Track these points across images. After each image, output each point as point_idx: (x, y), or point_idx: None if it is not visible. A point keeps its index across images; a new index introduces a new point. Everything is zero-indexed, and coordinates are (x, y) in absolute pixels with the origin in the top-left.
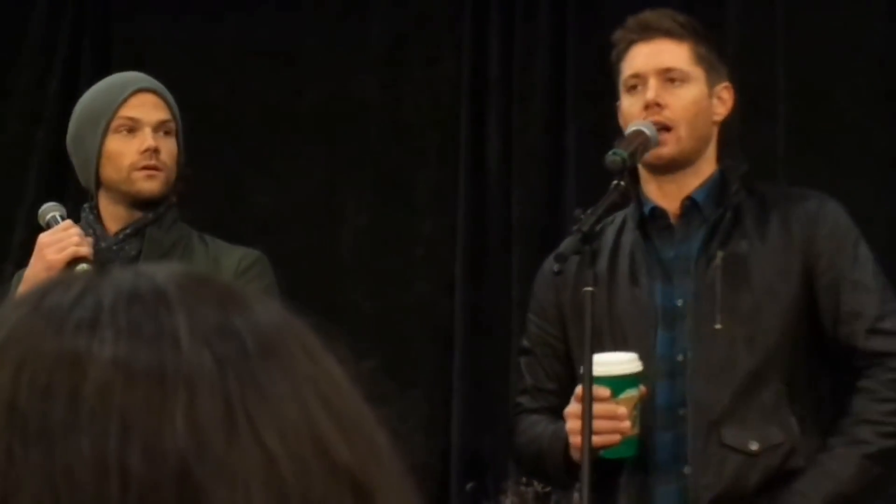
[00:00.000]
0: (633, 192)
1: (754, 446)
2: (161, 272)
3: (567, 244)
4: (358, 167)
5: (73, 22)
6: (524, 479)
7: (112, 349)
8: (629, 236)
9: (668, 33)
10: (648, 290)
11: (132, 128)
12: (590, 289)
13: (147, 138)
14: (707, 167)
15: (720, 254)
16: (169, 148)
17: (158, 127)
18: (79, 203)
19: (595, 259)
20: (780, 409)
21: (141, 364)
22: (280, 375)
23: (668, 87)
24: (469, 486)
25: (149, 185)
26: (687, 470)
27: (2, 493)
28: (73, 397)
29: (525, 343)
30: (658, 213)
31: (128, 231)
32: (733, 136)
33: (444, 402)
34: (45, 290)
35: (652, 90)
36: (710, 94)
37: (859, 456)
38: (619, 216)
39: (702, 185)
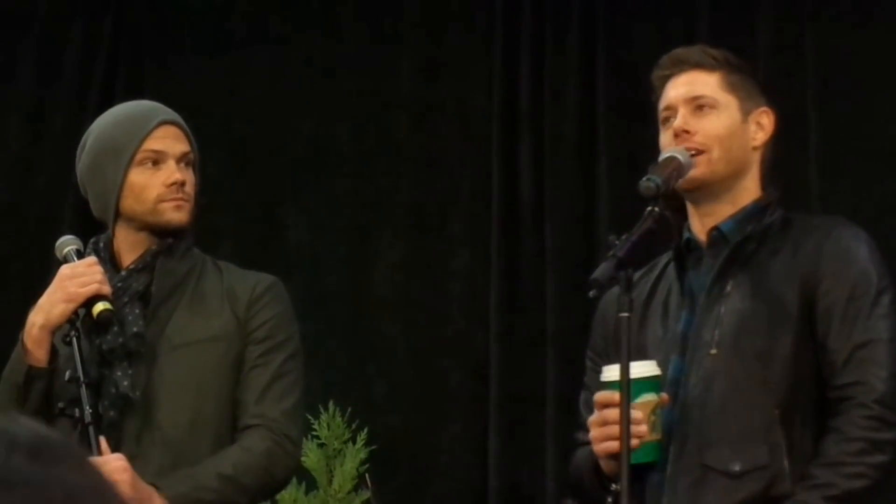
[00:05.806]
0: (675, 224)
1: (736, 467)
2: None
3: (602, 270)
4: (391, 202)
5: (107, 62)
6: None
7: None
8: (671, 269)
9: (698, 65)
10: (675, 320)
11: (156, 160)
12: (626, 314)
13: (173, 171)
14: (744, 196)
15: (731, 282)
16: (191, 180)
17: (181, 159)
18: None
19: (630, 285)
20: (769, 433)
21: None
22: None
23: (697, 114)
24: None
25: (178, 216)
26: (666, 493)
27: None
28: None
29: (585, 379)
30: (693, 245)
31: (133, 266)
32: (771, 164)
33: (482, 434)
34: None
35: (680, 118)
36: (745, 120)
37: (820, 499)
38: (672, 251)
39: (733, 215)
